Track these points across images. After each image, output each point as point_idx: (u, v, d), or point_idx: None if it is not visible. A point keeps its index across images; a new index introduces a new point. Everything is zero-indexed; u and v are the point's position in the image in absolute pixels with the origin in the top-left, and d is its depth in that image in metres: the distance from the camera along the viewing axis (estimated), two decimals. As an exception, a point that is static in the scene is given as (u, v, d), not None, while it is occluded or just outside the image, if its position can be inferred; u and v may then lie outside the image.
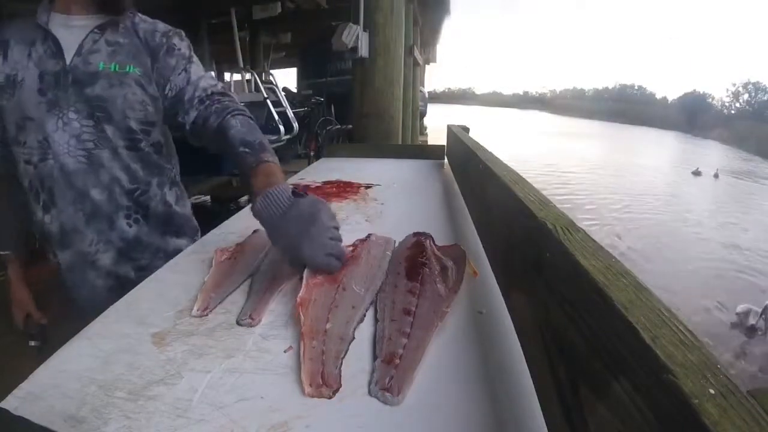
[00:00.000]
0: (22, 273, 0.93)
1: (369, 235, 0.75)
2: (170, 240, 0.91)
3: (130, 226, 0.84)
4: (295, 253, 0.59)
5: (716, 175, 13.38)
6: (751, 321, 3.87)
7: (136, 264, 0.86)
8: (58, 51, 0.77)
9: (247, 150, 0.74)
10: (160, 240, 0.89)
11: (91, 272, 0.84)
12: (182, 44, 0.87)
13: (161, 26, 0.87)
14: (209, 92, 0.84)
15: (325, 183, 1.17)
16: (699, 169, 13.78)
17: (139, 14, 0.87)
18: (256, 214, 0.63)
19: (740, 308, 4.03)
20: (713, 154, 23.19)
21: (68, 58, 0.77)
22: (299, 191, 0.63)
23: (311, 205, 0.61)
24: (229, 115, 0.80)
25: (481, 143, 1.13)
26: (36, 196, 0.80)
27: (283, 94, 4.46)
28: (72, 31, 0.79)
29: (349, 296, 0.56)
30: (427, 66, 12.68)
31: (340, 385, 0.41)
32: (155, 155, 0.87)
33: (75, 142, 0.77)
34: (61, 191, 0.78)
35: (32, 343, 0.92)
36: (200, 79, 0.86)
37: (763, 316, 3.88)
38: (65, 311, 0.89)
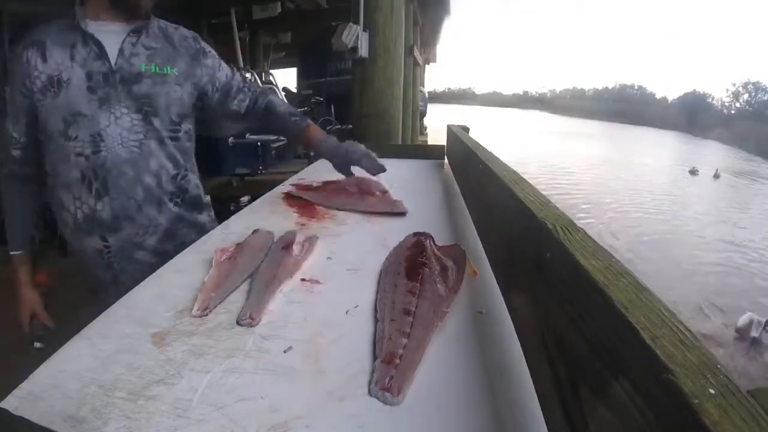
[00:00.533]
0: (32, 274, 0.96)
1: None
2: (197, 216, 1.00)
3: (175, 207, 0.94)
4: (335, 164, 1.08)
5: (716, 176, 13.30)
6: (753, 333, 3.80)
7: (177, 242, 0.94)
8: (102, 53, 0.84)
9: (296, 118, 1.09)
10: (192, 217, 0.98)
11: (138, 252, 0.91)
12: (207, 45, 0.99)
13: (184, 31, 0.96)
14: (245, 80, 1.06)
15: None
16: (696, 168, 13.75)
17: (160, 20, 0.93)
18: (322, 149, 1.08)
19: (742, 321, 3.92)
20: (713, 153, 23.19)
21: (112, 60, 0.84)
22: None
23: (350, 143, 1.06)
24: (269, 96, 1.07)
25: (481, 143, 1.13)
26: (89, 186, 0.86)
27: (283, 94, 4.46)
28: (108, 36, 0.85)
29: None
30: (427, 66, 12.67)
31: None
32: (187, 143, 0.97)
33: (127, 134, 0.85)
34: (113, 180, 0.85)
35: (36, 345, 0.92)
36: (233, 71, 1.03)
37: (766, 328, 3.81)
38: (102, 294, 0.92)
